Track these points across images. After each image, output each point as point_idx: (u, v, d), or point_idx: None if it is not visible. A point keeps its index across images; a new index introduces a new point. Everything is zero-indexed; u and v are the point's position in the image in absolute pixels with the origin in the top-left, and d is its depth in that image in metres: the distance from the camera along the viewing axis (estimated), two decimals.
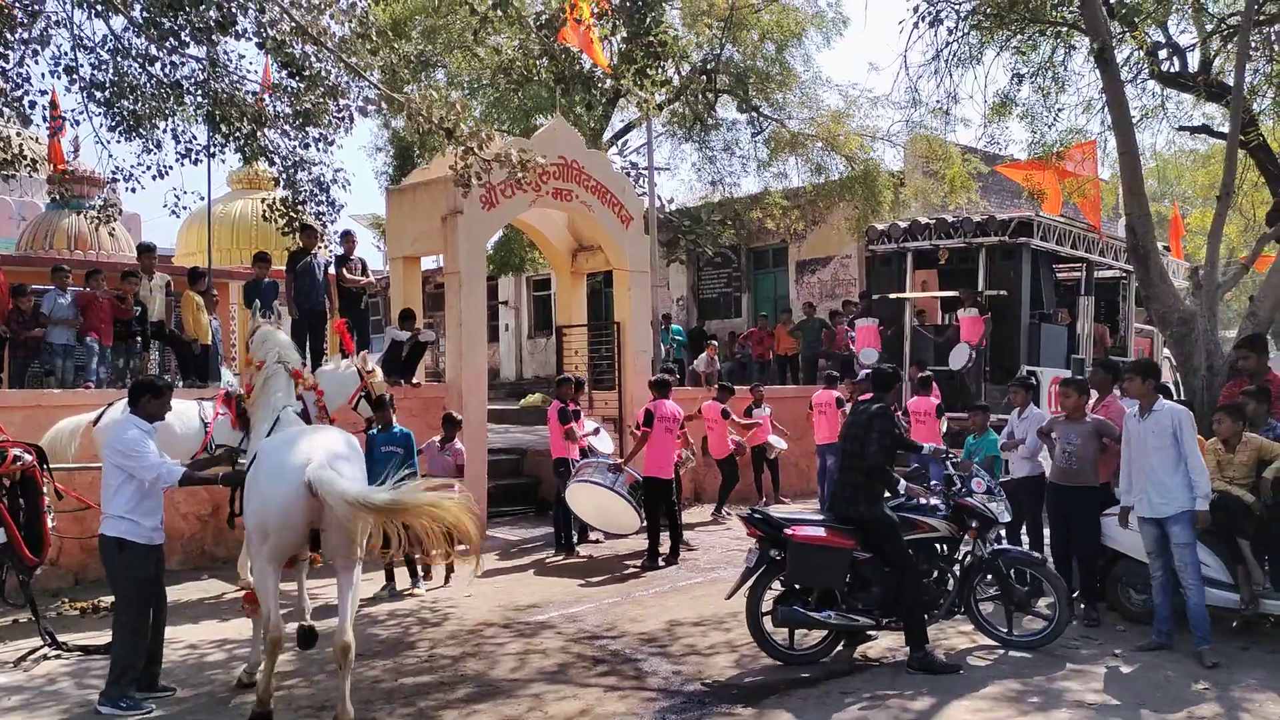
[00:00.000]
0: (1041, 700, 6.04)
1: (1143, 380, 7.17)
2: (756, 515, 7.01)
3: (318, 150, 10.01)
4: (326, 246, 12.87)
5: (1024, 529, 8.87)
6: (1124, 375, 7.64)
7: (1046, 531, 8.40)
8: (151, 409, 6.23)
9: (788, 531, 6.68)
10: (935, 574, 7.00)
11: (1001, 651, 7.06)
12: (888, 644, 7.12)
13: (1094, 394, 8.66)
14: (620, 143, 22.44)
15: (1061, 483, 7.99)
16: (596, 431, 11.59)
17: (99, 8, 8.29)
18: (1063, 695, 6.12)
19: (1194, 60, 13.49)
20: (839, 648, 6.90)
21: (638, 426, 10.52)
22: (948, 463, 7.51)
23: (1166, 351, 14.44)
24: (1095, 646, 7.18)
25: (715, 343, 19.04)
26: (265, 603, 5.71)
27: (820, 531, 6.73)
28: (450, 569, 9.58)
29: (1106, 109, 10.71)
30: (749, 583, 6.80)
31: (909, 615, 6.67)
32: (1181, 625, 6.98)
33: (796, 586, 6.78)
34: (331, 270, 12.75)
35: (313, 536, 5.76)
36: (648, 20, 10.58)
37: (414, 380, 12.34)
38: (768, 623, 6.75)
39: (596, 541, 11.41)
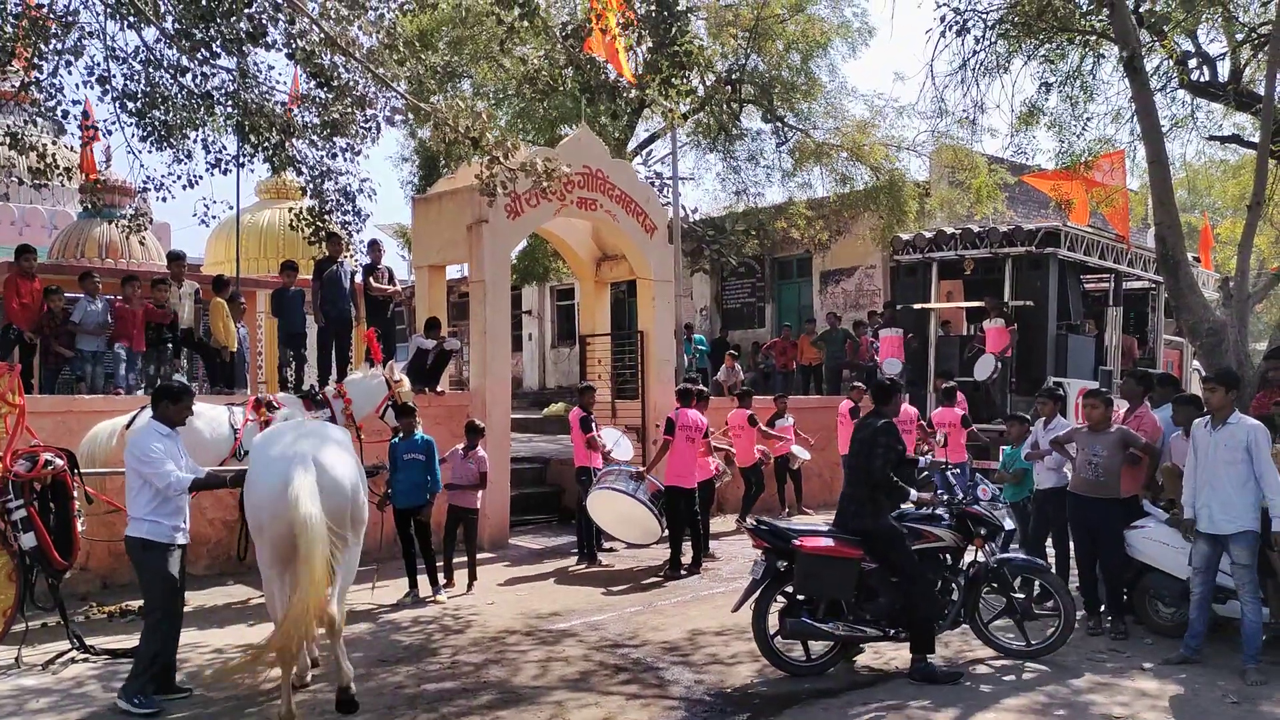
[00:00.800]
0: (1067, 713, 5.98)
1: (1226, 391, 6.91)
2: (763, 526, 7.00)
3: (344, 160, 10.15)
4: (353, 255, 12.98)
5: (1050, 540, 8.79)
6: (1204, 384, 7.38)
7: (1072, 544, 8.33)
8: (171, 414, 6.31)
9: (796, 542, 6.67)
10: (939, 584, 6.98)
11: (1026, 663, 7.00)
12: (907, 654, 7.07)
13: (1125, 404, 8.58)
14: (645, 152, 22.48)
15: (1086, 494, 7.85)
16: (616, 443, 11.58)
17: (132, 19, 8.41)
18: (1089, 708, 6.06)
19: (1224, 69, 13.41)
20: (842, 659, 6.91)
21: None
22: (948, 473, 7.52)
23: (1196, 363, 14.30)
24: (1123, 660, 7.10)
25: (735, 353, 19.00)
26: (271, 608, 5.76)
27: (829, 542, 6.72)
28: (473, 577, 9.62)
29: (1135, 118, 10.64)
30: (755, 595, 6.76)
31: (915, 625, 6.65)
32: (1211, 639, 6.89)
33: (801, 598, 6.77)
34: (358, 279, 12.85)
35: None
36: (673, 30, 10.58)
37: (438, 389, 12.40)
38: (773, 633, 6.75)
39: (612, 550, 11.40)
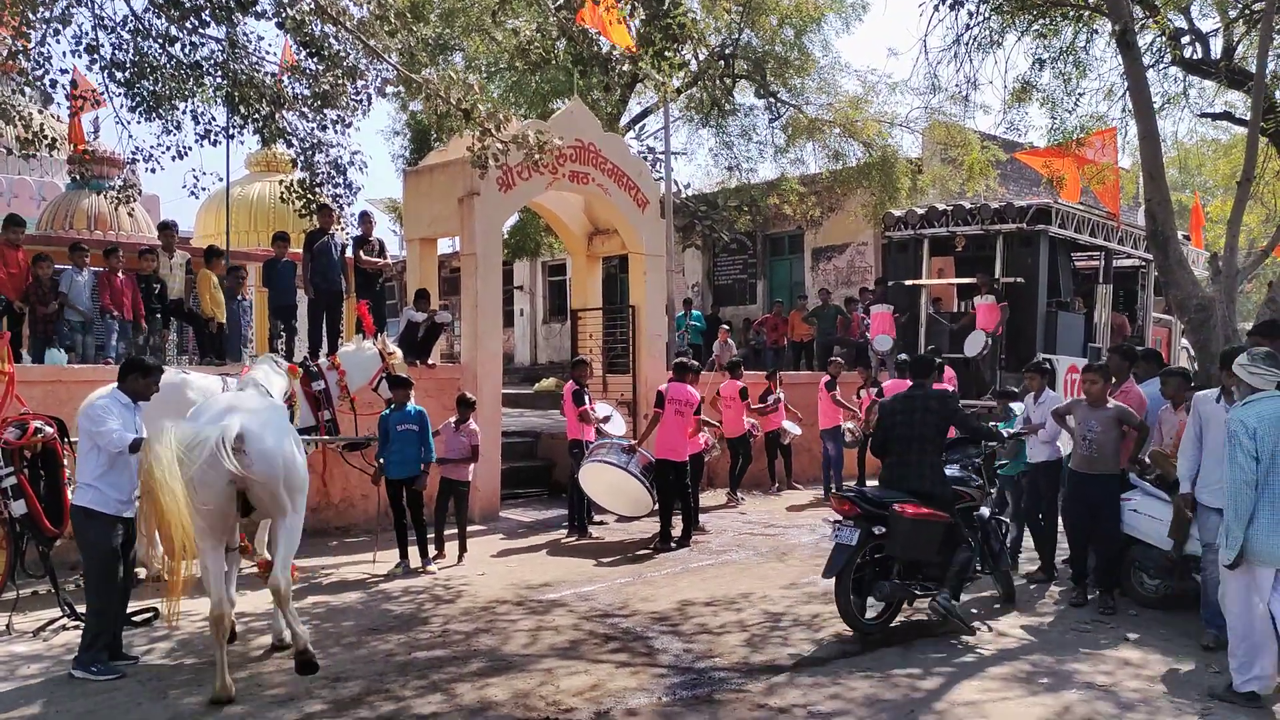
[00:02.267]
0: (1052, 681, 6.05)
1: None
2: (854, 493, 7.33)
3: (335, 132, 10.07)
4: (344, 228, 12.93)
5: (1041, 514, 8.86)
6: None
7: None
8: (138, 387, 6.30)
9: (896, 507, 6.98)
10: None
11: (1011, 633, 7.09)
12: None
13: (1111, 380, 8.61)
14: (638, 127, 22.44)
15: (1084, 471, 7.89)
16: (607, 419, 11.61)
17: None
18: (1073, 676, 6.13)
19: (1216, 47, 13.38)
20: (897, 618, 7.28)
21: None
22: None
23: (1184, 340, 14.37)
24: (1108, 631, 7.18)
25: (728, 327, 19.04)
26: (205, 579, 5.77)
27: (921, 507, 7.06)
28: (464, 549, 9.67)
29: (1128, 95, 10.64)
30: (850, 559, 6.90)
31: (960, 576, 7.18)
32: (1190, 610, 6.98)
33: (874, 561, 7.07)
34: (349, 252, 12.81)
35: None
36: (666, 3, 10.54)
37: (429, 361, 12.40)
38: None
39: (603, 523, 11.45)
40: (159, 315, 11.66)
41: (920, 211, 15.30)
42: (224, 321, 11.80)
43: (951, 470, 7.48)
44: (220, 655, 5.67)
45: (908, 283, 15.34)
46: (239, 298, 12.23)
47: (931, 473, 7.18)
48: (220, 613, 5.68)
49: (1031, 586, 8.52)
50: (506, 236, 18.47)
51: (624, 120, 20.81)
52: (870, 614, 7.11)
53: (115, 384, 6.33)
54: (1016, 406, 9.53)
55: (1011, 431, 8.77)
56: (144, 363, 6.47)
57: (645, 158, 18.55)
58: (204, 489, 5.52)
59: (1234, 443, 5.60)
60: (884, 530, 6.93)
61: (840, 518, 7.06)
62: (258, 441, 5.69)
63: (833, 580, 6.87)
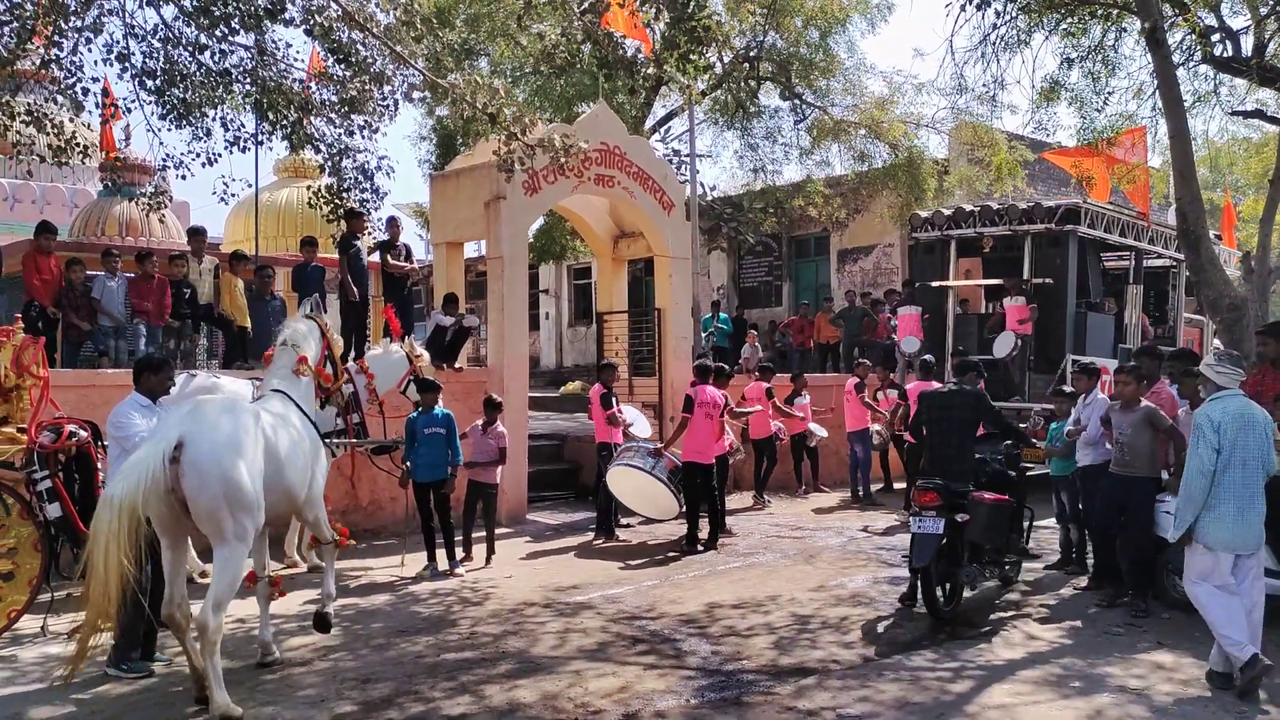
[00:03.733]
0: (1084, 685, 5.99)
1: None
2: (935, 483, 7.60)
3: (362, 138, 10.17)
4: (370, 233, 13.01)
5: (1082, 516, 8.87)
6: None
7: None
8: (152, 385, 6.41)
9: (975, 495, 7.58)
10: None
11: (1042, 636, 7.04)
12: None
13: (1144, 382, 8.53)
14: (663, 130, 22.43)
15: (1118, 473, 7.90)
16: (635, 420, 11.62)
17: None
18: (1105, 680, 6.07)
19: (1247, 44, 13.21)
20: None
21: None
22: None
23: (1216, 341, 14.19)
24: (1139, 634, 7.11)
25: (755, 331, 19.01)
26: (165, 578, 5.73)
27: (995, 494, 7.70)
28: (492, 551, 9.70)
29: (1157, 93, 10.54)
30: (937, 546, 7.31)
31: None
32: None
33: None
34: (374, 257, 12.89)
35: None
36: (690, 5, 10.54)
37: (456, 365, 12.45)
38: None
39: (629, 525, 11.45)
40: (189, 319, 11.77)
41: (947, 212, 15.19)
42: (247, 325, 11.87)
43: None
44: (185, 642, 5.63)
45: (934, 284, 15.24)
46: (267, 298, 12.29)
47: (966, 459, 7.82)
48: (168, 613, 5.62)
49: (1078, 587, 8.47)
50: (532, 240, 18.51)
51: (649, 123, 20.82)
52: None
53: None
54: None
55: (1068, 429, 8.93)
56: (153, 359, 6.58)
57: (670, 160, 18.57)
58: (148, 497, 5.30)
59: (1199, 435, 6.00)
60: (966, 517, 7.42)
61: (921, 508, 7.43)
62: (192, 450, 5.36)
63: (910, 572, 7.65)
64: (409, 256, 13.09)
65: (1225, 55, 13.23)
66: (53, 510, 6.96)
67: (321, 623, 6.63)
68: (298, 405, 6.48)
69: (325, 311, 7.57)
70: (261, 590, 6.48)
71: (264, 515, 5.72)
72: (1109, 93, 12.84)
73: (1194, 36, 12.73)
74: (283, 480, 5.95)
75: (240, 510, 5.46)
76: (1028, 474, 9.59)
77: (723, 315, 20.50)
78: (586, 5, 11.06)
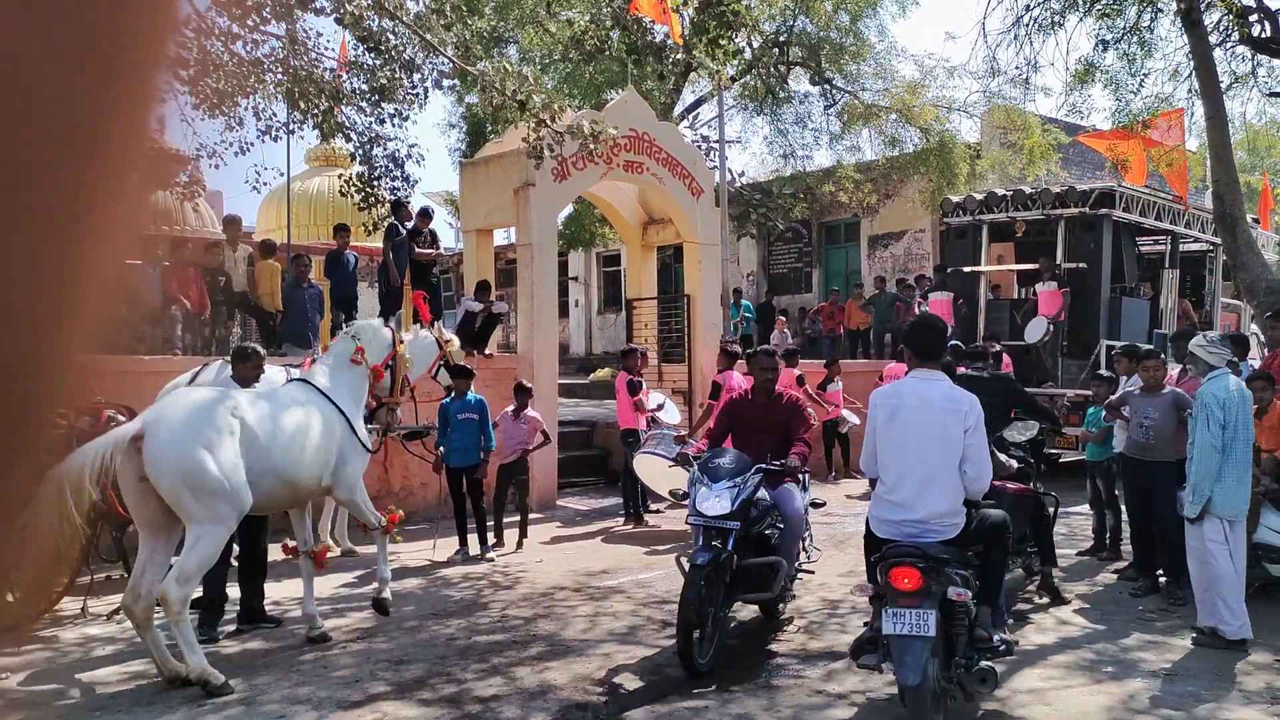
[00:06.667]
0: (1116, 670, 5.96)
1: None
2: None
3: (392, 126, 10.23)
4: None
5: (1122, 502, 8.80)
6: None
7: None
8: (243, 373, 6.64)
9: (999, 485, 7.29)
10: None
11: (1074, 621, 7.00)
12: None
13: (1177, 367, 8.46)
14: (691, 116, 22.39)
15: (1137, 456, 7.83)
16: (660, 407, 11.62)
17: None
18: (1138, 665, 6.04)
19: None
20: None
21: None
22: None
23: (1254, 325, 14.00)
24: (1173, 619, 7.05)
25: (784, 318, 18.96)
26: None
27: (1017, 484, 7.49)
28: (524, 535, 9.77)
29: (1194, 75, 10.41)
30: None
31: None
32: (1268, 599, 6.82)
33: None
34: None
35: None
36: None
37: (486, 352, 12.52)
38: None
39: (658, 511, 11.48)
40: (224, 307, 11.91)
41: (979, 197, 15.07)
42: (282, 309, 11.99)
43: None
44: (145, 638, 5.65)
45: (966, 269, 15.13)
46: (305, 285, 12.40)
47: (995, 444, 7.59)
48: (127, 605, 5.62)
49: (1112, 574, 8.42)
50: (561, 227, 18.57)
51: (678, 109, 20.78)
52: None
53: (222, 371, 6.94)
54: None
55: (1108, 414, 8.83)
56: (242, 350, 6.93)
57: (699, 146, 18.51)
58: (123, 485, 5.55)
59: (1206, 412, 6.31)
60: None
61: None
62: (149, 439, 5.43)
63: None
64: (434, 243, 13.16)
65: (1263, 35, 13.01)
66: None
67: (380, 608, 6.93)
68: (322, 393, 6.55)
69: (401, 329, 7.87)
70: (305, 565, 6.66)
71: (249, 497, 5.72)
72: (1144, 75, 12.71)
73: (1231, 17, 12.53)
74: (273, 465, 5.97)
75: (205, 494, 5.47)
76: (1060, 461, 9.51)
77: (745, 303, 20.44)
78: None
